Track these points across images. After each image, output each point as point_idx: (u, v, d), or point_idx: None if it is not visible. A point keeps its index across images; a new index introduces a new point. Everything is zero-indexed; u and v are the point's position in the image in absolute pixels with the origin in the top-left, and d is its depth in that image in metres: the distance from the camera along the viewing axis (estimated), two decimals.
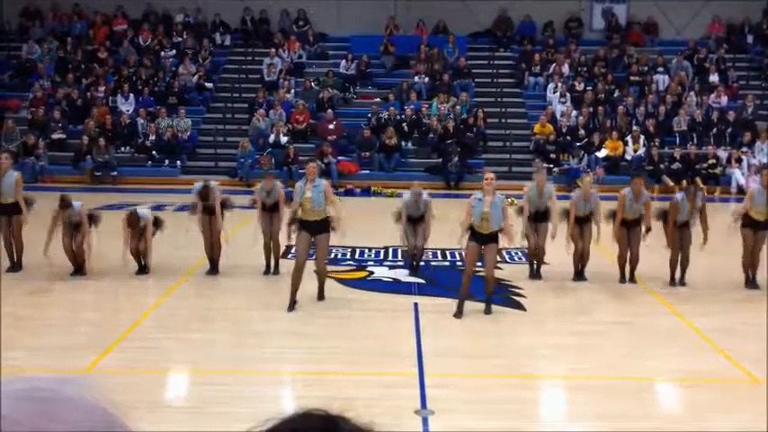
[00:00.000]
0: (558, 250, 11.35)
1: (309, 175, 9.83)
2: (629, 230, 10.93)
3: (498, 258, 12.12)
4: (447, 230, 12.51)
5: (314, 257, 9.99)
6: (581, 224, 11.05)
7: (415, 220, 11.37)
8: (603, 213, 11.11)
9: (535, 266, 11.39)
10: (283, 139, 20.85)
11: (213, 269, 11.32)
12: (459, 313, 9.49)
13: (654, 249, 11.16)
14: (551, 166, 19.73)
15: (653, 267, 11.22)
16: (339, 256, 12.31)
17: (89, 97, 22.57)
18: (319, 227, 9.74)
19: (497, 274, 11.38)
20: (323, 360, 8.02)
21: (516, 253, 12.51)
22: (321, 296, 10.10)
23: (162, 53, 24.26)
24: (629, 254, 11.03)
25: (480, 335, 8.91)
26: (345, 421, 0.83)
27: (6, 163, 11.09)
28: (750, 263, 10.96)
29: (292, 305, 9.66)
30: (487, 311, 9.64)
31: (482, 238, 9.52)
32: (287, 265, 11.57)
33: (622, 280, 11.11)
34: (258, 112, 21.61)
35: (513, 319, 9.60)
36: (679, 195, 11.17)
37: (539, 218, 11.14)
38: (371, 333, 8.89)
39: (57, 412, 0.75)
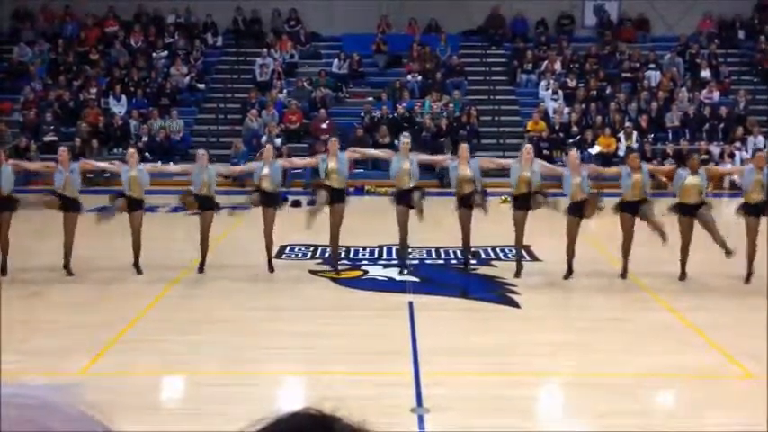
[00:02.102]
0: (553, 247, 11.36)
1: (332, 149, 11.14)
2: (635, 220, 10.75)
3: (492, 255, 12.26)
4: (441, 230, 12.55)
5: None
6: (574, 213, 10.98)
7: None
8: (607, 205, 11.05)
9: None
10: (276, 140, 20.81)
11: (200, 268, 11.27)
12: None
13: (645, 244, 11.17)
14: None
15: (648, 263, 11.23)
16: None
17: (81, 99, 22.50)
18: (338, 195, 11.07)
19: (492, 271, 11.47)
20: (318, 359, 8.01)
21: (510, 250, 12.49)
22: (335, 265, 11.40)
23: (153, 54, 24.21)
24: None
25: (475, 332, 8.91)
26: (337, 420, 0.83)
27: None
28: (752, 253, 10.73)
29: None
30: (466, 265, 11.49)
31: (464, 200, 11.01)
32: (281, 266, 11.57)
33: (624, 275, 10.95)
34: (251, 113, 21.57)
35: (508, 317, 9.61)
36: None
37: (527, 207, 11.04)
38: (367, 332, 8.88)
39: (36, 418, 0.74)
